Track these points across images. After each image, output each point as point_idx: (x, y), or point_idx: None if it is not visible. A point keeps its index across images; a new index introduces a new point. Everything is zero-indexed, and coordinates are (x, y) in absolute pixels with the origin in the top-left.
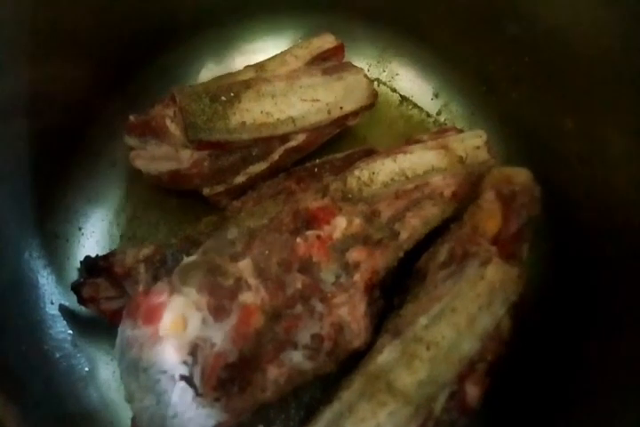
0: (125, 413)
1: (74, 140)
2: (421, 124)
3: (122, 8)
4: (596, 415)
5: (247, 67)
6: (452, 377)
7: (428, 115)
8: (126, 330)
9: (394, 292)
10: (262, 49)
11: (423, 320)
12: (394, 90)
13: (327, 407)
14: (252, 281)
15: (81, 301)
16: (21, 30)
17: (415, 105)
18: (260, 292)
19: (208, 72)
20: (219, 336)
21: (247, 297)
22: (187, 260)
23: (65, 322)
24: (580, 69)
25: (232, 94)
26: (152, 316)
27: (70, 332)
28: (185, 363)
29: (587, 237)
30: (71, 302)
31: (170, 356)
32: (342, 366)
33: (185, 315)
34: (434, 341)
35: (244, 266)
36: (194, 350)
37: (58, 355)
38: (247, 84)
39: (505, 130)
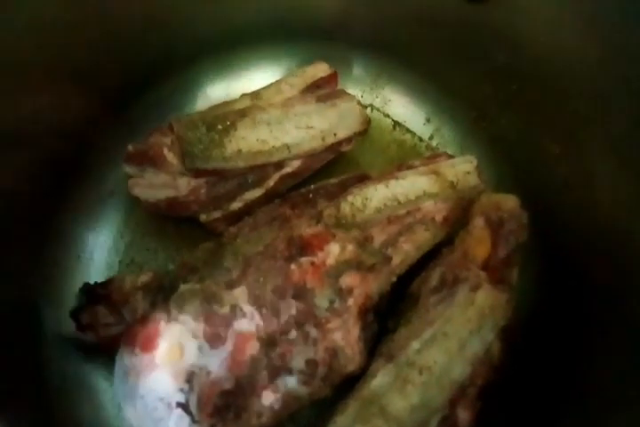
0: None
1: (72, 168)
2: (414, 148)
3: (120, 37)
4: None
5: (243, 95)
6: (444, 402)
7: (421, 139)
8: (124, 358)
9: (387, 316)
10: (258, 77)
11: (415, 345)
12: (387, 115)
13: None
14: (247, 308)
15: (80, 327)
16: (19, 60)
17: (408, 130)
18: (255, 319)
19: (205, 100)
20: (215, 364)
21: (242, 324)
22: (183, 287)
23: (63, 349)
24: (565, 96)
25: (228, 123)
26: (149, 343)
27: (68, 358)
28: (181, 390)
29: (574, 260)
30: (70, 328)
31: (166, 383)
32: (337, 391)
33: (181, 343)
34: (426, 365)
35: (239, 293)
36: (190, 378)
37: (56, 382)
38: (243, 113)
39: (495, 155)
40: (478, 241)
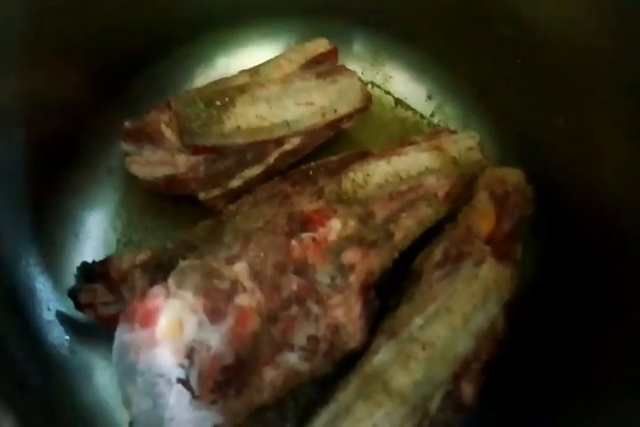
0: (123, 417)
1: (69, 146)
2: (415, 125)
3: (115, 15)
4: (590, 412)
5: (242, 71)
6: (448, 376)
7: (422, 116)
8: (123, 334)
9: (389, 292)
10: (256, 53)
11: (418, 320)
12: (387, 92)
13: (324, 408)
14: (248, 284)
15: (78, 306)
16: (14, 39)
17: (409, 107)
18: (256, 294)
19: (203, 77)
20: (215, 339)
21: (243, 299)
22: (182, 263)
23: (62, 328)
24: (572, 70)
25: (227, 99)
26: (148, 319)
27: (67, 338)
28: (181, 366)
29: (580, 235)
30: (68, 307)
31: (166, 359)
32: (338, 368)
33: (181, 318)
34: (429, 341)
35: (240, 269)
36: (190, 353)
37: (55, 361)
38: (242, 89)
39: (498, 130)
40: (482, 215)
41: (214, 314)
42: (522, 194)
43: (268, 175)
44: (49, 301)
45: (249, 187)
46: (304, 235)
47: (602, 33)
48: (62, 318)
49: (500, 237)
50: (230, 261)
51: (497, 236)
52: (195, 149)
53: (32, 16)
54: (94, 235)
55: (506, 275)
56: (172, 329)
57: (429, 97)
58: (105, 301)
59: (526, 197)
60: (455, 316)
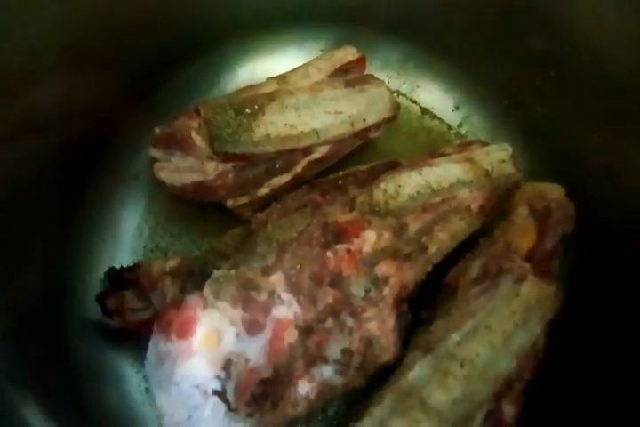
0: (151, 426)
1: (97, 151)
2: (442, 135)
3: (145, 21)
4: None
5: (270, 79)
6: (489, 395)
7: (449, 127)
8: (158, 344)
9: (421, 305)
10: (283, 61)
11: (456, 337)
12: (414, 102)
13: (357, 424)
14: (285, 295)
15: (106, 312)
16: (47, 44)
17: (436, 117)
18: (293, 306)
19: (229, 84)
20: (253, 351)
21: (281, 312)
22: (217, 273)
23: (90, 334)
24: (607, 83)
25: (256, 107)
26: (185, 330)
27: (95, 344)
28: (218, 378)
29: (614, 249)
30: (95, 313)
31: (203, 370)
32: (369, 381)
33: (219, 329)
34: (468, 358)
35: (277, 280)
36: (227, 365)
37: (82, 369)
38: (271, 97)
39: (528, 144)
40: (523, 231)
41: (252, 326)
42: (564, 211)
43: (295, 184)
44: (76, 306)
45: (276, 195)
46: (339, 246)
47: (638, 48)
48: (89, 324)
49: (542, 255)
50: (266, 271)
51: (538, 253)
52: (225, 157)
53: (65, 23)
54: (121, 240)
55: (549, 293)
56: (209, 340)
57: (457, 107)
58: (133, 307)
59: (569, 214)
60: (495, 334)
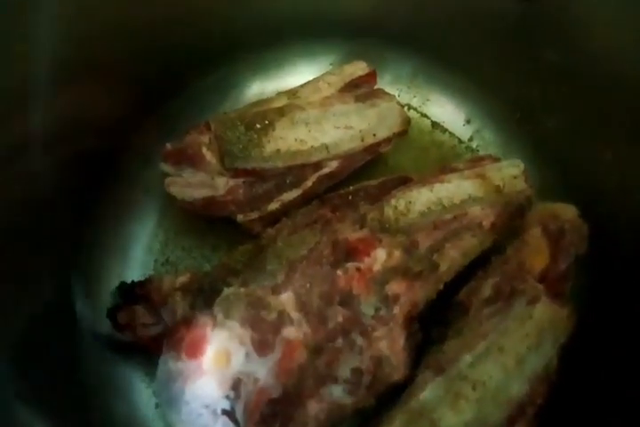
0: None
1: (108, 166)
2: (453, 149)
3: (155, 34)
4: None
5: (280, 93)
6: (501, 420)
7: (460, 141)
8: (169, 362)
9: (431, 323)
10: (293, 75)
11: (468, 358)
12: (425, 115)
13: None
14: (295, 315)
15: (116, 327)
16: (55, 57)
17: (446, 131)
18: (303, 326)
19: (239, 98)
20: (262, 371)
21: (290, 332)
22: (227, 291)
23: (100, 348)
24: (623, 98)
25: (266, 122)
26: (195, 349)
27: (105, 358)
28: (227, 398)
29: (628, 267)
30: (106, 327)
31: (213, 390)
32: (380, 401)
33: (228, 349)
34: (480, 380)
35: (287, 299)
36: (237, 385)
37: (92, 382)
38: (281, 112)
39: (539, 159)
40: (536, 252)
41: (262, 346)
42: (578, 232)
43: (305, 199)
44: (86, 321)
45: (286, 210)
46: (349, 264)
47: None
48: (100, 337)
49: (555, 276)
50: (276, 290)
51: (551, 274)
52: (235, 172)
53: (76, 35)
54: (131, 255)
55: (562, 315)
56: (219, 360)
57: (468, 121)
58: (144, 322)
59: (582, 235)
60: (508, 356)
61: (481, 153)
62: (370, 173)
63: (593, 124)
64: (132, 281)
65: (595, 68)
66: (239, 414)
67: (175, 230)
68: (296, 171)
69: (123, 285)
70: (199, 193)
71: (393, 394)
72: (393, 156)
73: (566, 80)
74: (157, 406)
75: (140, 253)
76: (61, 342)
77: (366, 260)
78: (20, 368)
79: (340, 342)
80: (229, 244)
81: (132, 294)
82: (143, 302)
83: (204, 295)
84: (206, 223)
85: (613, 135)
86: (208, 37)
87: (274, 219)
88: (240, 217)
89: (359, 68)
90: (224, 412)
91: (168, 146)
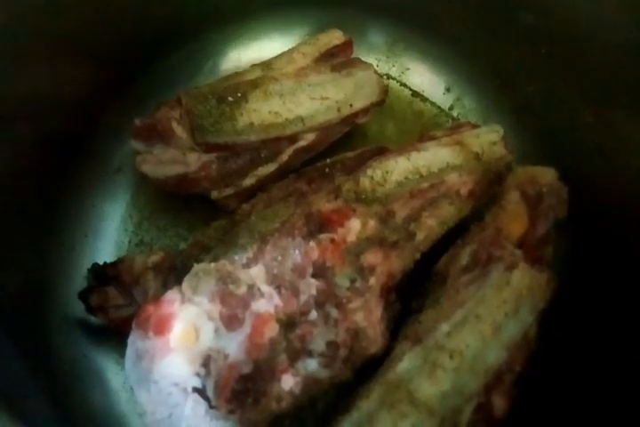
0: (136, 424)
1: (78, 144)
2: (433, 119)
3: (124, 9)
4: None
5: (253, 66)
6: (479, 388)
7: (441, 109)
8: (136, 341)
9: (410, 294)
10: (268, 46)
11: (445, 327)
12: (404, 85)
13: (345, 417)
14: (265, 288)
15: (89, 309)
16: (21, 32)
17: (427, 100)
18: (274, 299)
19: (213, 72)
20: (232, 347)
21: (260, 305)
22: (197, 267)
23: (72, 332)
24: (600, 60)
25: (239, 94)
26: (162, 326)
27: (78, 342)
28: (197, 375)
29: (609, 231)
30: (78, 310)
31: (181, 368)
32: (358, 374)
33: (197, 325)
34: (457, 349)
35: (257, 273)
36: (206, 362)
37: (66, 366)
38: (254, 84)
39: (520, 124)
40: (514, 217)
41: (231, 321)
42: (557, 195)
43: (282, 173)
44: (59, 303)
45: (262, 185)
46: (322, 236)
47: (633, 20)
48: (72, 321)
49: (533, 241)
50: (246, 264)
51: (529, 239)
52: (207, 147)
53: (42, 13)
54: (105, 235)
55: (541, 281)
56: (186, 337)
57: (448, 89)
58: (116, 303)
59: (562, 198)
60: (485, 324)
61: (460, 121)
62: (349, 145)
63: (572, 86)
64: (104, 262)
65: (570, 30)
66: (210, 392)
67: (150, 210)
68: (271, 144)
69: (94, 266)
70: (171, 170)
71: (371, 366)
72: (372, 127)
73: (543, 43)
74: (132, 389)
75: (113, 234)
76: (32, 325)
77: (340, 230)
78: None
79: (313, 314)
80: (206, 222)
81: (103, 275)
82: (115, 283)
83: (177, 274)
84: (182, 202)
85: (592, 97)
86: (181, 10)
87: (250, 194)
88: (214, 194)
89: (335, 38)
90: (194, 389)
91: (137, 122)
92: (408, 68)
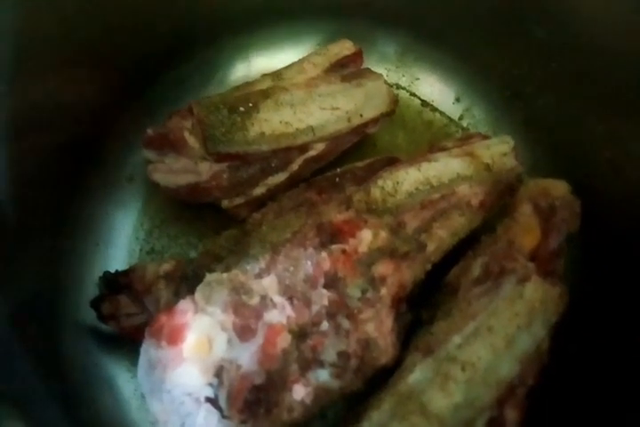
0: None
1: (90, 153)
2: (443, 129)
3: (137, 18)
4: None
5: (264, 75)
6: (491, 401)
7: (450, 120)
8: (149, 350)
9: (421, 305)
10: (279, 57)
11: (457, 339)
12: (414, 95)
13: None
14: (278, 299)
15: (100, 317)
16: (35, 42)
17: (436, 110)
18: (286, 310)
19: (224, 82)
20: (245, 357)
21: (273, 316)
22: (209, 277)
23: (84, 339)
24: (610, 73)
25: (250, 104)
26: (176, 336)
27: (89, 349)
28: (210, 385)
29: (621, 243)
30: (90, 318)
31: (194, 377)
32: (369, 384)
33: (210, 335)
34: (469, 361)
35: (269, 283)
36: (219, 372)
37: (77, 374)
38: (265, 94)
39: (530, 136)
40: (526, 230)
41: (244, 332)
42: (569, 208)
43: (292, 182)
44: (70, 311)
45: (273, 194)
46: (334, 247)
47: None
48: (84, 329)
49: (546, 255)
50: (259, 274)
51: (542, 253)
52: (218, 157)
53: (58, 21)
54: (116, 243)
55: (553, 294)
56: (200, 347)
57: (458, 99)
58: (128, 312)
59: (574, 212)
60: (497, 336)
61: (470, 131)
62: (358, 154)
63: (582, 99)
64: (116, 271)
65: (582, 43)
66: (222, 401)
67: (161, 218)
68: (281, 154)
69: (106, 274)
70: (182, 179)
71: (381, 377)
72: (382, 137)
73: (554, 57)
74: (143, 396)
75: (125, 242)
76: (44, 332)
77: (351, 241)
78: (2, 364)
79: (325, 325)
80: (216, 231)
81: (115, 283)
82: (127, 291)
83: (188, 283)
84: (193, 210)
85: (603, 110)
86: (192, 20)
87: (260, 204)
88: (225, 203)
89: (345, 48)
90: (207, 399)
91: (149, 131)
92: (418, 78)
